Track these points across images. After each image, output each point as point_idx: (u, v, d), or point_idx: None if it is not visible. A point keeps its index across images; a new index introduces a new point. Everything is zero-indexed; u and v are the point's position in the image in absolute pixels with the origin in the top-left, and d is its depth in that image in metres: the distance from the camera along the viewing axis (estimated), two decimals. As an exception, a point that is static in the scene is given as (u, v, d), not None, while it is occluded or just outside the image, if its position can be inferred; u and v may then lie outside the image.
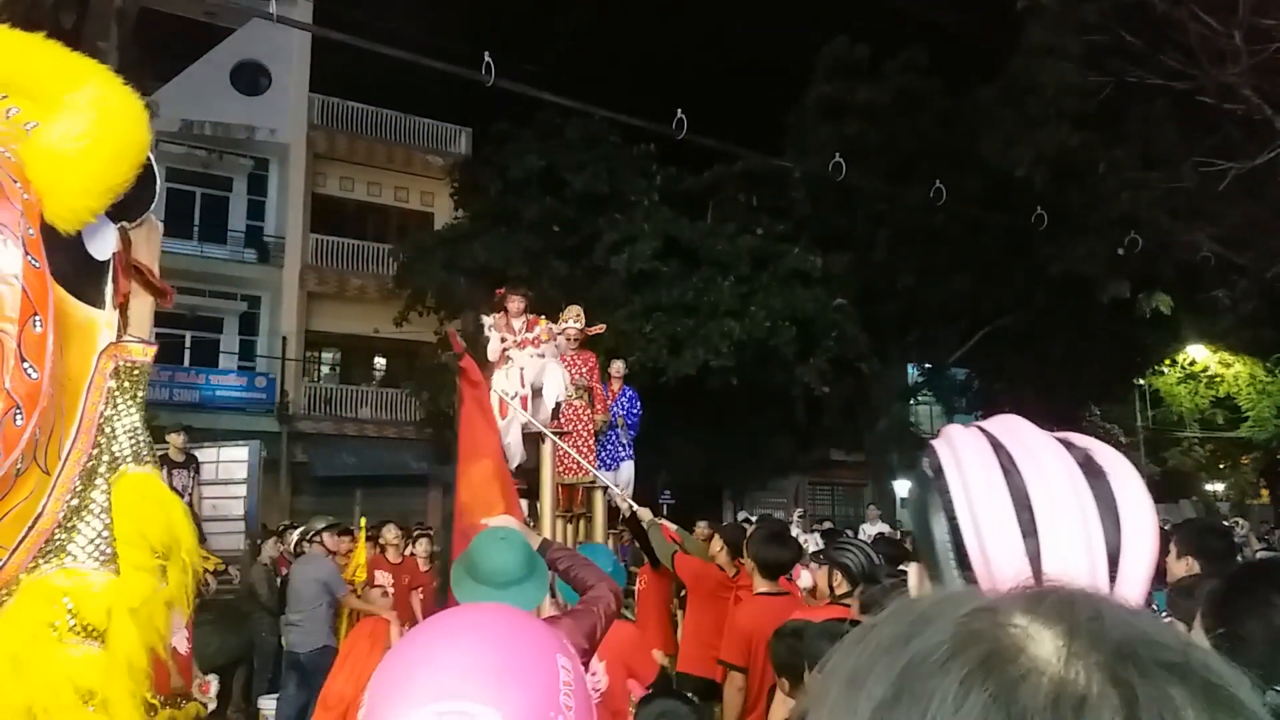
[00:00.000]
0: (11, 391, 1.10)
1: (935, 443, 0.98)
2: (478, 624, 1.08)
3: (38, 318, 1.14)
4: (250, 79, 21.93)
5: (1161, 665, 0.42)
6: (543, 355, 7.03)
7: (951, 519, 0.90)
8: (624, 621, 4.67)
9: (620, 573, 4.88)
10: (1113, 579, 0.86)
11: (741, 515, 13.53)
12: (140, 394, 1.41)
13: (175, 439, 9.22)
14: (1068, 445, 0.91)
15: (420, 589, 8.80)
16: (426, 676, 0.96)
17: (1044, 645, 0.44)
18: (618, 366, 8.86)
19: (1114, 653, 0.43)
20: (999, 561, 0.86)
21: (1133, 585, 0.86)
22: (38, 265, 1.18)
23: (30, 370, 1.12)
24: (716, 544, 5.79)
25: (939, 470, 0.94)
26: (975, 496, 0.89)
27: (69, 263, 1.26)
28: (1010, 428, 0.95)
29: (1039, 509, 0.86)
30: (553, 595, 3.12)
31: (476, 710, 0.93)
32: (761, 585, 4.17)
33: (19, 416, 1.11)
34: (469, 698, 0.93)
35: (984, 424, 0.97)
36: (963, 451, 0.93)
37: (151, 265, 1.53)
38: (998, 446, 0.91)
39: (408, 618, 8.25)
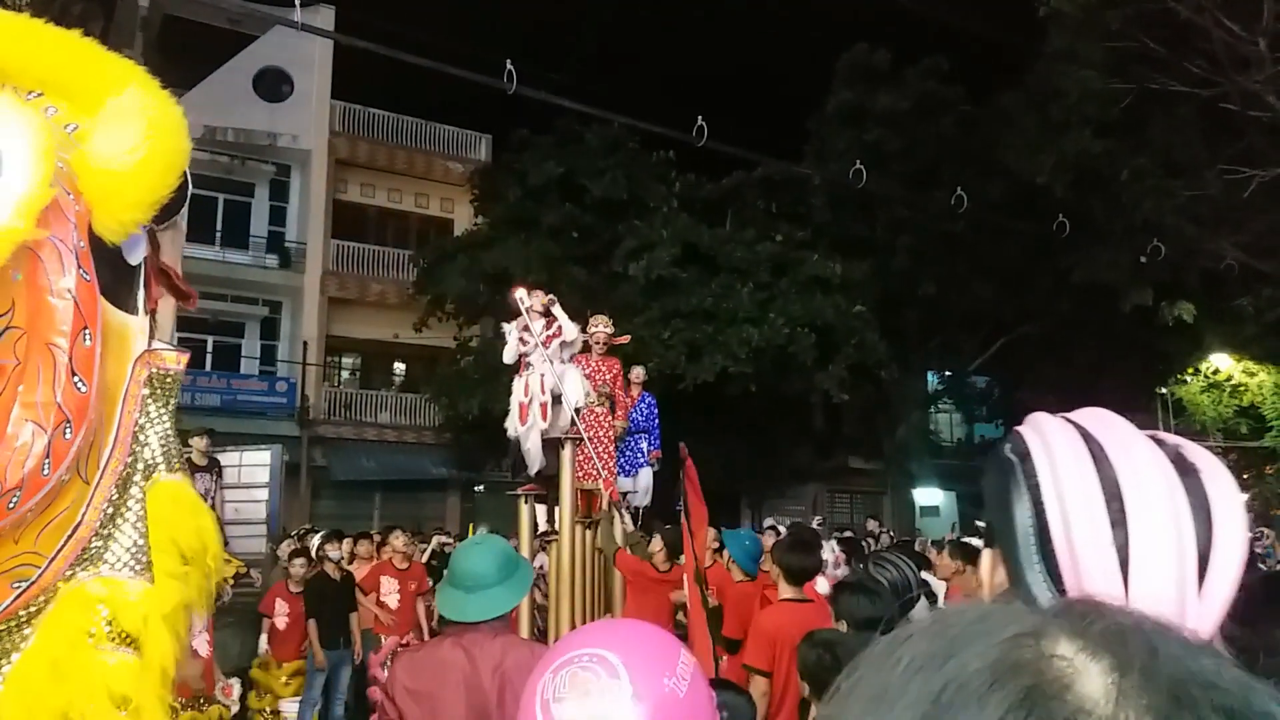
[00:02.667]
0: (63, 405, 1.12)
1: (1021, 428, 0.96)
2: (615, 619, 1.31)
3: (87, 331, 1.16)
4: (273, 86, 22.11)
5: (1218, 710, 0.39)
6: (564, 360, 7.04)
7: (1037, 504, 0.88)
8: None
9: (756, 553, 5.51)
10: (1201, 578, 0.82)
11: (769, 522, 13.50)
12: (172, 401, 1.41)
13: (198, 442, 9.28)
14: (1158, 441, 0.89)
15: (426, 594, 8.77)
16: (566, 644, 1.21)
17: (1092, 681, 0.41)
18: (638, 373, 8.86)
19: (1168, 696, 0.40)
20: (1085, 551, 0.83)
21: (1220, 586, 0.83)
22: (88, 278, 1.19)
23: (80, 384, 1.14)
24: (656, 544, 6.30)
25: (1025, 455, 0.91)
26: (1064, 482, 0.86)
27: (107, 270, 1.27)
28: (1101, 419, 0.92)
29: (1130, 500, 0.83)
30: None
31: (601, 652, 1.14)
32: (786, 591, 4.23)
33: (68, 430, 1.13)
34: (596, 646, 1.16)
35: (1071, 415, 0.94)
36: (1052, 437, 0.90)
37: (175, 266, 1.53)
38: (1087, 436, 0.88)
39: (413, 625, 8.24)
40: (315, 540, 9.31)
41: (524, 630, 6.99)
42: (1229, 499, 0.85)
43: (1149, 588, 0.81)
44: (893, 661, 0.45)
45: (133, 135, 1.24)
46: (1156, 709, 0.39)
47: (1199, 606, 0.82)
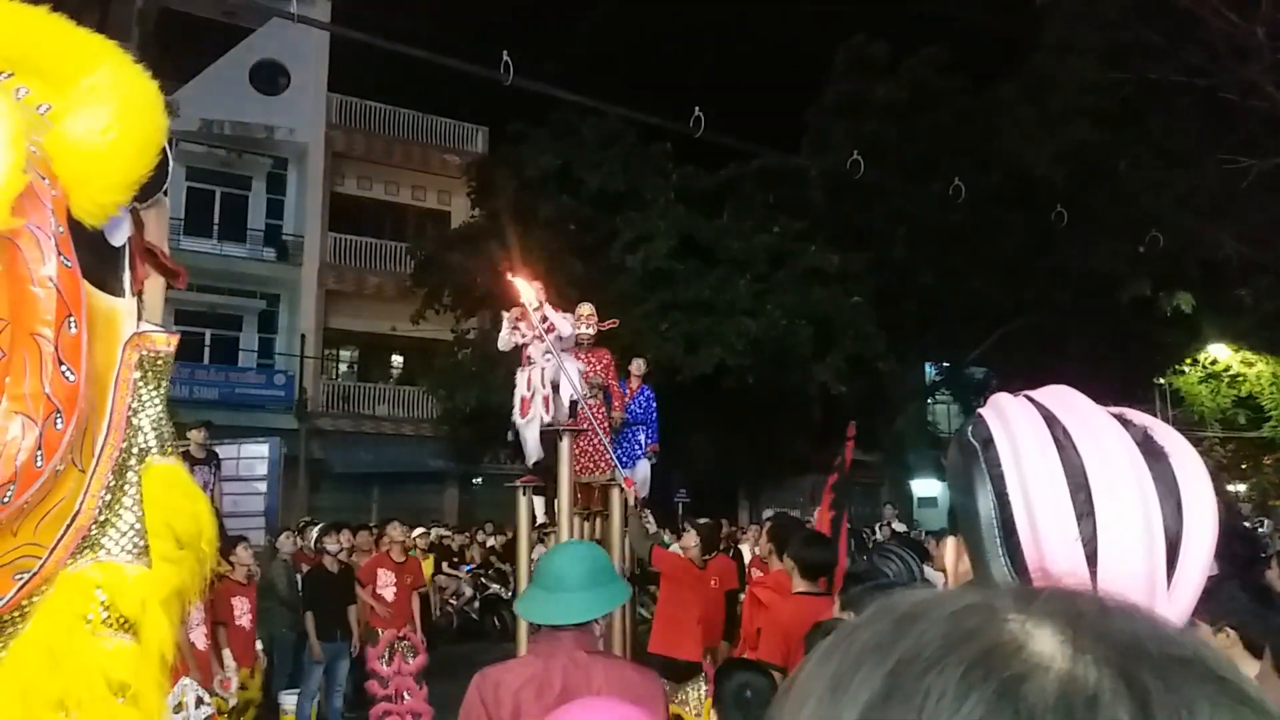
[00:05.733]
0: (51, 396, 1.10)
1: (983, 411, 0.91)
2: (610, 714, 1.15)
3: (72, 319, 1.13)
4: (269, 79, 22.06)
5: (1170, 659, 0.40)
6: (560, 349, 7.04)
7: (1001, 494, 0.84)
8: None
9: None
10: (1171, 566, 0.79)
11: (766, 514, 13.53)
12: (164, 384, 1.38)
13: (196, 435, 9.28)
14: (1124, 422, 0.85)
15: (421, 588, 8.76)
16: None
17: (1045, 641, 0.41)
18: (638, 365, 8.83)
19: (1120, 647, 0.40)
20: (1050, 542, 0.80)
21: (1192, 573, 0.80)
22: (69, 264, 1.15)
23: (68, 373, 1.12)
24: (691, 539, 6.33)
25: (987, 441, 0.87)
26: (1028, 472, 0.82)
27: (90, 253, 1.23)
28: (1065, 400, 0.88)
29: (1096, 489, 0.80)
30: None
31: None
32: (800, 585, 4.21)
33: (59, 420, 1.11)
34: None
35: (1034, 394, 0.90)
36: (1015, 423, 0.86)
37: (162, 245, 1.49)
38: (1051, 420, 0.85)
39: (408, 618, 8.24)
40: (314, 533, 9.32)
41: (523, 624, 7.01)
42: (1199, 484, 0.82)
43: (1117, 581, 0.78)
44: (841, 652, 0.45)
45: (106, 115, 1.20)
46: (1111, 660, 0.40)
47: (1168, 600, 0.80)
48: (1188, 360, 21.98)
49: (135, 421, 1.32)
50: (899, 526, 13.78)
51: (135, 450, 1.31)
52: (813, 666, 0.46)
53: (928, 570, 5.06)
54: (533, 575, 2.55)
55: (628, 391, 8.44)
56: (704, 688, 5.87)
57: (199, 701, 1.41)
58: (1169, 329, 18.53)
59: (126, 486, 1.29)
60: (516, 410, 7.05)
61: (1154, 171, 14.91)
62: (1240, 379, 21.59)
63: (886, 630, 0.44)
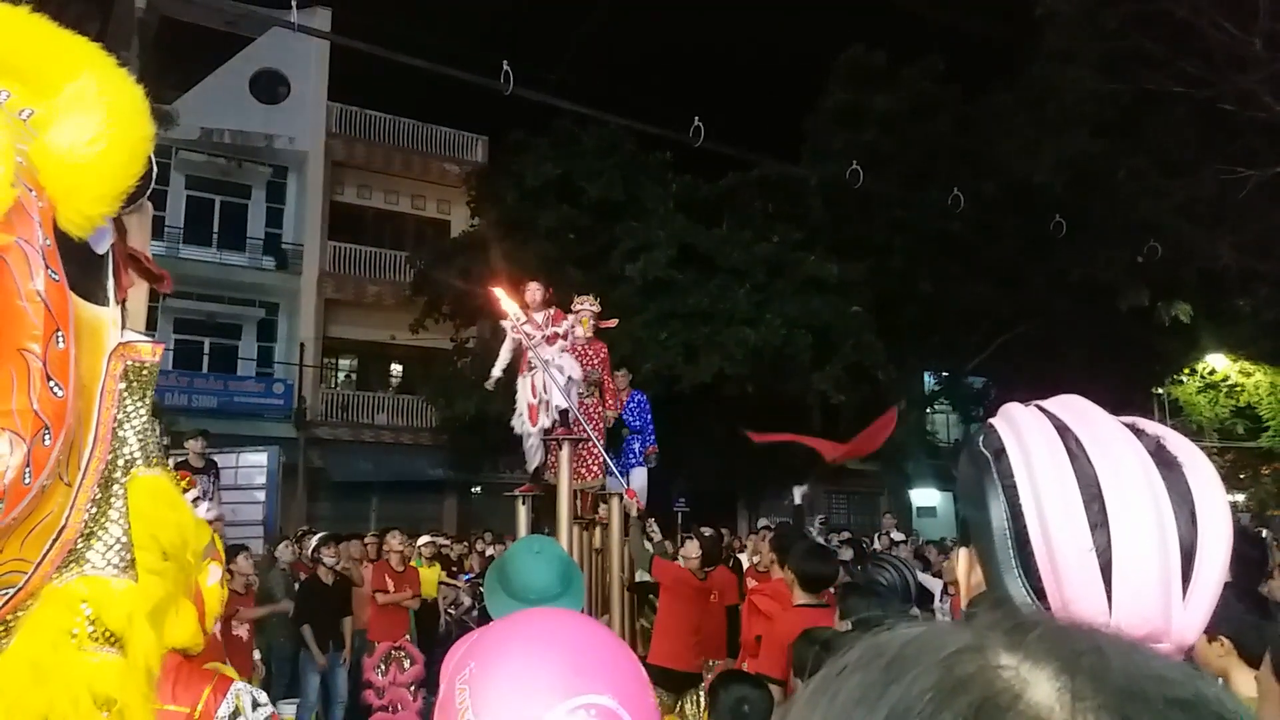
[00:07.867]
0: (40, 412, 1.07)
1: (995, 421, 0.91)
2: (562, 628, 1.19)
3: (60, 333, 1.10)
4: (269, 88, 22.10)
5: (1172, 703, 0.38)
6: (564, 351, 7.02)
7: (1014, 506, 0.84)
8: None
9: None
10: (1186, 577, 0.79)
11: (762, 523, 13.51)
12: (148, 395, 1.34)
13: (194, 444, 9.26)
14: (1137, 432, 0.84)
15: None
16: (540, 680, 1.05)
17: (1041, 689, 0.39)
18: (622, 379, 8.81)
19: (1120, 692, 0.38)
20: (1064, 556, 0.80)
21: (1207, 584, 0.80)
22: (56, 278, 1.12)
23: (56, 388, 1.09)
24: (693, 549, 6.26)
25: (999, 452, 0.86)
26: (1041, 483, 0.82)
27: (74, 264, 1.19)
28: (1076, 410, 0.87)
29: (1110, 500, 0.79)
30: None
31: (599, 700, 1.02)
32: (802, 598, 4.19)
33: (47, 437, 1.08)
34: (589, 691, 1.03)
35: (1045, 404, 0.89)
36: (1027, 433, 0.85)
37: (144, 249, 1.45)
38: (1064, 430, 0.84)
39: (406, 628, 8.21)
40: (312, 542, 9.30)
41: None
42: (1213, 494, 0.82)
43: (1132, 593, 0.78)
44: (828, 700, 0.42)
45: (94, 124, 1.17)
46: (1110, 707, 0.38)
47: (1184, 611, 0.79)
48: (1186, 370, 22.01)
49: (121, 433, 1.29)
50: (898, 535, 13.74)
51: (121, 462, 1.29)
52: (799, 711, 0.44)
53: (923, 578, 5.06)
54: (500, 576, 2.39)
55: (618, 404, 8.43)
56: (702, 698, 5.85)
57: (255, 704, 1.38)
58: (1167, 338, 18.57)
59: (112, 499, 1.27)
60: (525, 418, 7.01)
61: (1152, 181, 14.95)
62: (1238, 389, 21.62)
63: (875, 678, 0.42)
